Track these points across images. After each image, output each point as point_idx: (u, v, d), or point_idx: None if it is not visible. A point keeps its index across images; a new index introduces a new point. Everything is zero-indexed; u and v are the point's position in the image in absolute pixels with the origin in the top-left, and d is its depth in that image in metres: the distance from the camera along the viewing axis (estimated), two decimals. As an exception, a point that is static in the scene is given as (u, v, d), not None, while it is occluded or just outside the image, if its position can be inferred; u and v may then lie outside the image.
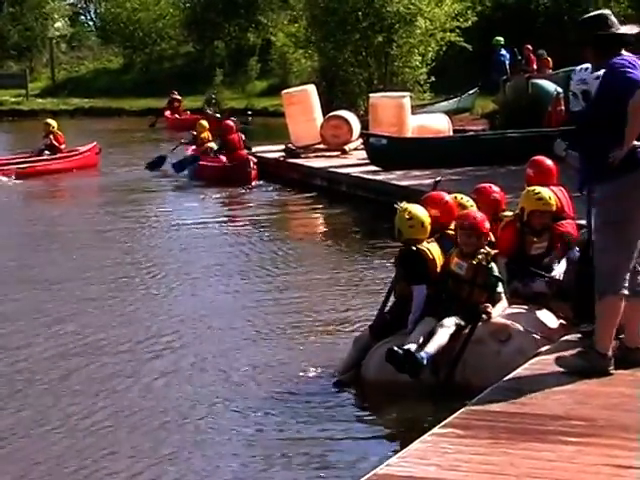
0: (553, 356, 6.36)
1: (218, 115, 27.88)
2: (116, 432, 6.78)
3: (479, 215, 7.47)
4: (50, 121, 21.98)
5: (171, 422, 6.96)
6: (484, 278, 7.29)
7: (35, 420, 7.03)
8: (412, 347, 7.00)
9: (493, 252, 7.41)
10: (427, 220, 7.51)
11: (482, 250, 7.32)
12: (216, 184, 18.20)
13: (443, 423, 5.41)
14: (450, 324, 7.14)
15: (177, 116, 30.37)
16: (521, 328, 7.16)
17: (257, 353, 8.40)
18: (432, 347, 7.00)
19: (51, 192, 19.22)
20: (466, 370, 7.08)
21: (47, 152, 21.14)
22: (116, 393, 7.55)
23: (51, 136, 21.25)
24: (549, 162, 8.31)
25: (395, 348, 6.97)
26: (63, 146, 21.40)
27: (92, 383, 7.77)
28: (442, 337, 7.06)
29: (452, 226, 7.67)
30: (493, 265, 7.34)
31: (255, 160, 19.02)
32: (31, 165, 20.50)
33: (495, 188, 8.28)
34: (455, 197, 8.03)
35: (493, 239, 7.69)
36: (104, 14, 45.09)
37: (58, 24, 45.95)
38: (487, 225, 7.43)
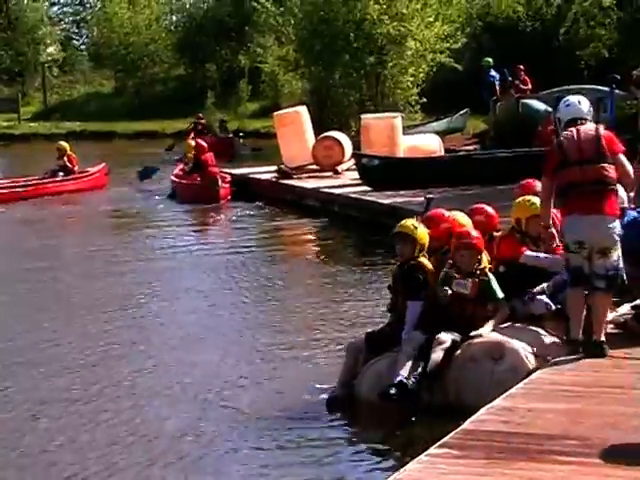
0: (547, 375, 6.37)
1: (230, 136, 28.12)
2: (105, 450, 6.76)
3: (475, 233, 7.54)
4: (63, 143, 22.32)
5: (159, 439, 6.95)
6: (486, 293, 7.39)
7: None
8: (402, 378, 6.99)
9: (488, 266, 7.51)
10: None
11: (479, 266, 7.42)
12: (191, 203, 18.67)
13: (439, 443, 5.41)
14: (447, 340, 7.16)
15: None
16: (515, 347, 7.17)
17: (247, 373, 8.40)
18: (426, 366, 7.02)
19: (42, 217, 19.20)
20: (460, 388, 7.09)
21: (61, 173, 21.46)
22: (103, 412, 7.53)
23: (65, 158, 21.58)
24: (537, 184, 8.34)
25: (391, 392, 6.94)
26: (76, 168, 21.75)
27: (77, 403, 7.75)
28: (437, 355, 7.08)
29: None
30: (491, 276, 7.45)
31: (228, 178, 19.59)
32: (43, 186, 20.79)
33: (489, 208, 8.32)
34: (453, 216, 8.07)
35: (488, 258, 7.74)
36: (96, 38, 45.20)
37: (50, 49, 46.03)
38: (482, 243, 7.50)
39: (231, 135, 28.65)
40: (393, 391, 6.94)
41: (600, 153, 6.94)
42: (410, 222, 7.65)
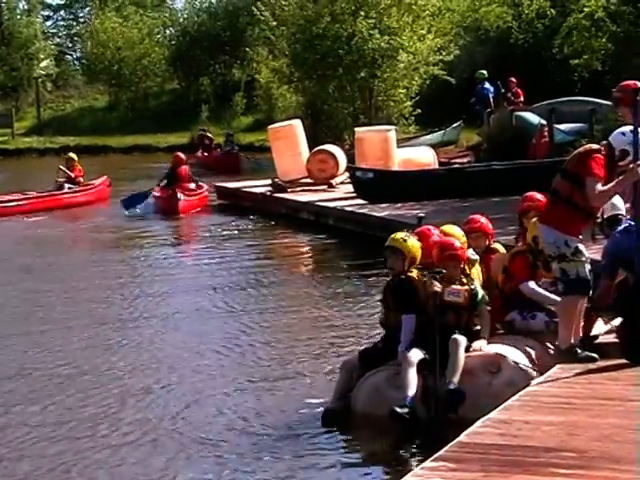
0: (543, 387, 6.36)
1: (236, 150, 28.12)
2: (98, 469, 6.74)
3: (458, 243, 7.56)
4: (72, 155, 22.51)
5: (153, 457, 6.93)
6: (475, 301, 7.43)
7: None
8: (410, 397, 6.98)
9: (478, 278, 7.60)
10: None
11: (463, 274, 7.48)
12: (159, 214, 19.36)
13: (435, 456, 5.40)
14: (462, 340, 7.16)
15: (206, 154, 29.26)
16: (512, 360, 7.17)
17: (243, 387, 8.39)
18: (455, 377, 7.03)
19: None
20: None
21: (68, 186, 21.59)
22: (95, 434, 7.47)
23: (76, 170, 21.81)
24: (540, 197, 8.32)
25: (399, 410, 6.90)
26: (81, 179, 21.97)
27: (75, 420, 7.71)
28: (459, 356, 7.08)
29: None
30: (476, 283, 7.50)
31: (204, 192, 20.47)
32: (51, 199, 20.97)
33: (483, 220, 8.31)
34: (443, 230, 8.06)
35: (479, 270, 7.76)
36: (89, 53, 45.25)
37: (44, 64, 46.04)
38: (464, 252, 7.54)
39: (237, 149, 28.64)
40: (405, 411, 6.90)
41: (569, 168, 7.09)
42: (400, 235, 7.64)
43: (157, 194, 20.17)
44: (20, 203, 20.42)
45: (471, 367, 7.15)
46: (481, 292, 7.50)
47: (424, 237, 7.83)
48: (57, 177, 21.72)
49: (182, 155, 21.22)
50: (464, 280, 7.45)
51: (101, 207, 21.30)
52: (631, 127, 7.13)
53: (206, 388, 8.44)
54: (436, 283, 7.38)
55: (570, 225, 7.00)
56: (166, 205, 19.56)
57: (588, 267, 7.01)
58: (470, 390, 7.05)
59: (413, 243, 7.57)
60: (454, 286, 7.38)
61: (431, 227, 8.12)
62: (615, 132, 7.25)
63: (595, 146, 7.23)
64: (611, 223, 7.68)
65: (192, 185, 20.83)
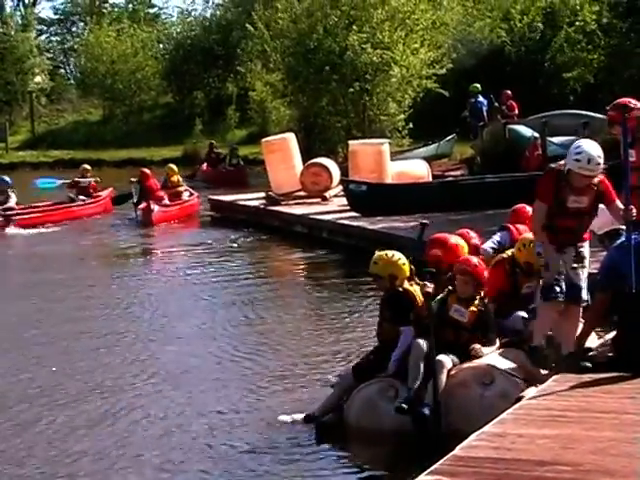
0: (538, 400, 6.34)
1: (241, 164, 28.06)
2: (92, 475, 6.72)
3: (477, 261, 7.51)
4: (87, 166, 22.87)
5: (146, 466, 6.90)
6: (483, 323, 7.38)
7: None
8: (426, 410, 6.97)
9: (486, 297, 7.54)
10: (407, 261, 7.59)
11: (478, 296, 7.42)
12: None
13: (429, 470, 5.37)
14: (447, 362, 7.14)
15: (211, 168, 28.89)
16: (504, 372, 7.15)
17: (235, 398, 8.38)
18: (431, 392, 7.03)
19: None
20: (449, 413, 7.07)
21: (82, 197, 21.90)
22: (90, 436, 7.48)
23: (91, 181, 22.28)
24: (529, 210, 8.39)
25: (403, 406, 6.93)
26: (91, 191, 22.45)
27: (65, 428, 7.70)
28: (441, 379, 7.08)
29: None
30: (489, 308, 7.46)
31: (193, 200, 21.48)
32: (65, 211, 21.34)
33: (472, 234, 8.34)
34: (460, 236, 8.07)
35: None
36: (83, 67, 45.25)
37: (38, 78, 46.02)
38: (485, 272, 7.49)
39: (241, 163, 28.59)
40: (405, 407, 6.95)
41: None
42: (374, 258, 7.58)
43: (139, 206, 20.78)
44: (35, 215, 20.62)
45: (463, 379, 7.14)
46: (493, 325, 7.42)
47: (437, 243, 7.84)
48: (69, 192, 21.91)
49: (146, 170, 22.14)
50: (476, 301, 7.39)
51: (107, 219, 21.56)
52: None
53: (199, 401, 8.41)
54: (428, 285, 7.36)
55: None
56: (142, 217, 20.25)
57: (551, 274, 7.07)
58: (462, 402, 7.04)
59: (385, 262, 7.52)
60: (459, 306, 7.34)
61: (470, 231, 8.10)
62: None
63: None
64: (612, 237, 7.66)
65: (187, 193, 21.84)
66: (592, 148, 6.99)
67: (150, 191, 21.11)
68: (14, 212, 20.40)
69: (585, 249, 7.16)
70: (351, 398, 7.38)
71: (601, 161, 6.97)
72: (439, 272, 7.67)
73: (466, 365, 7.22)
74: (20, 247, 18.83)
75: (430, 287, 7.35)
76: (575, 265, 7.06)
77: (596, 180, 7.04)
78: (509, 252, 8.00)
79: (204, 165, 28.90)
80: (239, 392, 8.64)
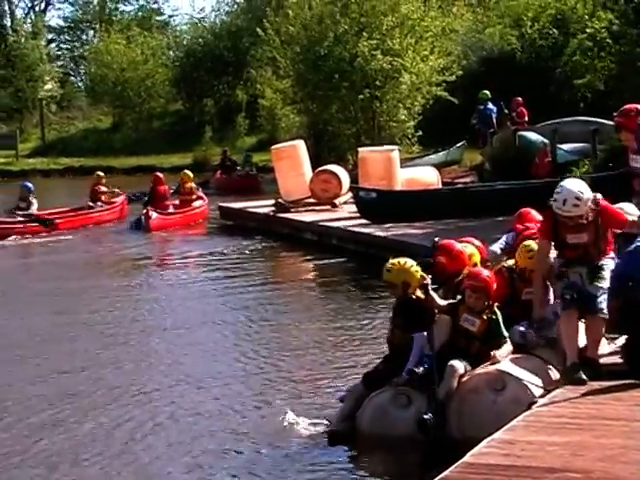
0: (548, 407, 6.34)
1: (254, 172, 28.03)
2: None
3: (487, 275, 7.52)
4: (101, 173, 23.08)
5: (157, 472, 6.93)
6: (493, 331, 7.39)
7: None
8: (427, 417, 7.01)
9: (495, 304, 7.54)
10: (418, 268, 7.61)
11: (489, 306, 7.44)
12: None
13: (440, 476, 5.38)
14: (460, 368, 7.16)
15: (225, 176, 28.88)
16: (516, 378, 7.14)
17: (249, 405, 8.41)
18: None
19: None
20: (461, 419, 7.08)
21: (100, 204, 22.21)
22: (98, 446, 7.51)
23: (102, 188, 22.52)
24: (534, 213, 8.43)
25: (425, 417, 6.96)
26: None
27: (70, 437, 7.73)
28: (453, 384, 7.11)
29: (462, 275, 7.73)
30: (498, 314, 7.45)
31: (170, 212, 21.35)
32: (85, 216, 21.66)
33: (477, 242, 8.36)
34: (466, 246, 8.08)
35: None
36: (93, 75, 45.39)
37: (48, 86, 46.18)
38: (492, 282, 7.50)
39: (255, 170, 28.58)
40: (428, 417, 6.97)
41: None
42: (386, 266, 7.61)
43: (143, 211, 21.11)
44: (58, 221, 20.87)
45: (476, 385, 7.14)
46: (503, 329, 7.42)
47: (445, 252, 7.86)
48: (90, 200, 22.12)
49: (160, 174, 22.49)
50: (487, 310, 7.40)
51: (121, 225, 21.72)
52: None
53: (210, 407, 8.44)
54: (434, 296, 7.37)
55: None
56: (144, 222, 20.50)
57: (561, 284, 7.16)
58: (474, 408, 7.04)
59: (398, 269, 7.55)
60: (469, 316, 7.35)
61: (454, 242, 8.12)
62: None
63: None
64: (626, 239, 7.54)
65: (200, 201, 22.04)
66: (571, 188, 6.98)
67: (158, 196, 21.50)
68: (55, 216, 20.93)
69: (603, 263, 7.14)
70: (363, 406, 7.39)
71: (580, 201, 6.94)
72: (445, 279, 7.69)
73: (478, 371, 7.22)
74: (40, 254, 18.89)
75: (428, 279, 7.36)
76: (590, 280, 7.06)
77: (590, 215, 7.02)
78: (509, 262, 7.99)
79: (218, 172, 28.86)
80: (249, 397, 8.67)
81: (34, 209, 20.81)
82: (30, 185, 21.51)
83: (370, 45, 27.30)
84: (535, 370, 7.35)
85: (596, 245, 7.12)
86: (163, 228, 20.57)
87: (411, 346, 7.40)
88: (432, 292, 7.41)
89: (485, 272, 7.58)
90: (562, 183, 7.10)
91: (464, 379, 7.19)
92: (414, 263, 7.63)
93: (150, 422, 8.15)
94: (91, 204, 22.09)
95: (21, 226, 20.16)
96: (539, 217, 8.21)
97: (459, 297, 7.52)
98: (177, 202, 22.03)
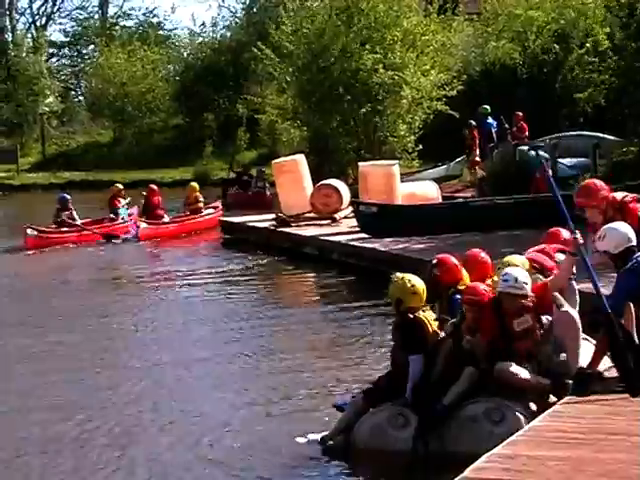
0: (548, 422, 6.32)
1: (267, 186, 27.72)
2: None
3: (484, 289, 7.45)
4: (120, 186, 23.27)
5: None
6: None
7: None
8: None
9: None
10: (424, 289, 7.55)
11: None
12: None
13: (439, 492, 5.37)
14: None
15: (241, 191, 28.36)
16: (516, 410, 7.03)
17: (248, 417, 8.41)
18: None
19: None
20: (458, 447, 6.99)
21: (112, 215, 22.31)
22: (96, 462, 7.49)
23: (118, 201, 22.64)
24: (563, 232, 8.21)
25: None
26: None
27: (67, 450, 7.73)
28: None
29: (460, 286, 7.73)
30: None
31: (163, 222, 22.06)
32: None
33: (484, 254, 8.30)
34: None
35: None
36: (94, 89, 45.51)
37: (49, 100, 46.32)
38: (487, 297, 7.43)
39: (267, 185, 28.12)
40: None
41: None
42: (392, 281, 7.56)
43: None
44: (74, 234, 21.11)
45: (474, 413, 7.08)
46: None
47: (444, 267, 7.86)
48: (110, 212, 22.20)
49: (154, 186, 23.32)
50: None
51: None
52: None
53: (207, 419, 8.43)
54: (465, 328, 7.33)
55: None
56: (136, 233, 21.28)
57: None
58: (472, 438, 6.97)
59: (395, 286, 7.51)
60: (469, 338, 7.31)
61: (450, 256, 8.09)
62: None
63: None
64: (625, 257, 7.39)
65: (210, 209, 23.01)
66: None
67: (151, 207, 22.36)
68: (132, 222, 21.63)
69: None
70: (360, 422, 7.36)
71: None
72: (440, 291, 7.70)
73: (479, 400, 7.12)
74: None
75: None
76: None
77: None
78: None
79: (234, 188, 28.55)
80: (246, 410, 8.67)
81: (77, 218, 21.40)
82: (67, 196, 22.06)
83: (374, 59, 27.35)
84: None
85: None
86: (152, 237, 21.22)
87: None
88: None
89: (482, 286, 7.53)
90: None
91: (463, 404, 7.12)
92: (417, 283, 7.50)
93: (143, 433, 8.14)
94: (113, 216, 22.15)
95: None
96: (568, 235, 7.79)
97: (461, 311, 7.47)
98: (187, 213, 22.79)
